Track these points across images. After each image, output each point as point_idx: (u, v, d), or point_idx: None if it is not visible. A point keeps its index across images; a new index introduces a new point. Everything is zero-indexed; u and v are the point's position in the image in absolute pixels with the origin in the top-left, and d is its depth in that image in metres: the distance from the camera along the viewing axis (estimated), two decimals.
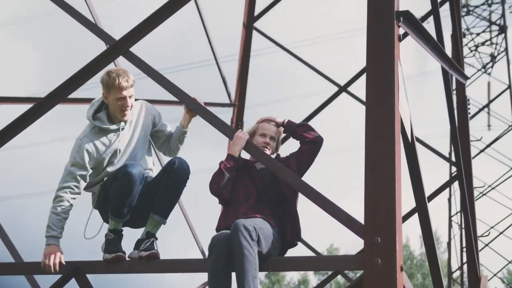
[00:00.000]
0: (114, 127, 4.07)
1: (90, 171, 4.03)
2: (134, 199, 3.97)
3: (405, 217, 7.16)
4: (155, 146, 4.39)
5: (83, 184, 4.03)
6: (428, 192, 5.26)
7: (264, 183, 4.00)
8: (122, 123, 4.10)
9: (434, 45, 4.67)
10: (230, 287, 3.60)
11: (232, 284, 3.61)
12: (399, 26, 3.67)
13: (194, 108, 4.07)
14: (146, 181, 4.08)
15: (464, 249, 18.37)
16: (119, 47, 4.19)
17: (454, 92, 9.76)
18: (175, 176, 3.98)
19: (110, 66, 4.22)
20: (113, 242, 3.99)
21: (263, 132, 4.18)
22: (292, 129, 4.18)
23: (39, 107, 4.15)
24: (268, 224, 3.77)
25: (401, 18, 3.67)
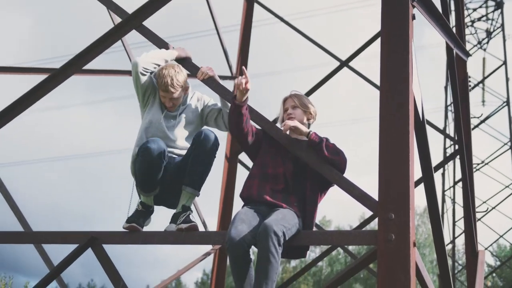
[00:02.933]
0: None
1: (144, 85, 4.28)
2: (156, 173, 4.05)
3: None
4: (212, 125, 4.43)
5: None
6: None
7: (294, 168, 4.00)
8: (165, 112, 4.30)
9: (443, 24, 4.71)
10: (251, 272, 3.64)
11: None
12: (413, 6, 3.70)
13: (205, 82, 4.15)
14: (178, 160, 4.18)
15: (457, 224, 18.63)
16: (132, 20, 4.22)
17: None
18: (202, 147, 4.04)
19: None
20: (137, 213, 4.10)
21: (284, 108, 4.22)
22: (314, 145, 3.89)
23: (54, 77, 4.19)
24: (295, 216, 3.78)
25: None
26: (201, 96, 4.47)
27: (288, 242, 3.61)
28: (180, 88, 4.24)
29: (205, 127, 4.37)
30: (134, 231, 4.00)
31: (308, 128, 4.16)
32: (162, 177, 4.14)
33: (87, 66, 4.47)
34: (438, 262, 4.53)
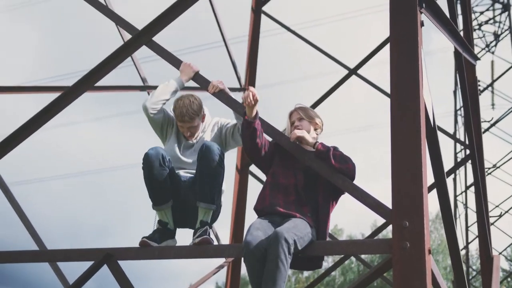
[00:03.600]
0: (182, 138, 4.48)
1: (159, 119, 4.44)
2: (159, 178, 4.12)
3: None
4: (232, 143, 4.48)
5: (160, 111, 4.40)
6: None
7: (305, 179, 4.02)
8: (184, 142, 4.45)
9: (451, 29, 4.72)
10: None
11: None
12: (421, 13, 3.72)
13: (216, 95, 4.18)
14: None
15: (470, 229, 18.52)
16: (142, 37, 4.26)
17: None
18: (206, 159, 4.08)
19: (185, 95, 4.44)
20: (155, 231, 4.15)
21: (291, 121, 4.25)
22: (321, 155, 3.91)
23: (67, 95, 4.23)
24: (308, 226, 3.78)
25: (423, 4, 3.72)
26: (218, 120, 4.56)
27: (302, 252, 3.62)
28: (196, 117, 4.35)
29: (206, 140, 4.41)
30: (149, 246, 4.02)
31: (317, 139, 4.17)
32: (178, 196, 4.21)
33: (98, 83, 4.51)
34: (453, 268, 4.52)
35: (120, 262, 3.96)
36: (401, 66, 3.50)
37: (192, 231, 4.19)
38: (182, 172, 4.35)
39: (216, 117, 4.60)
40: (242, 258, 3.65)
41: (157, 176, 4.13)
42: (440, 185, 4.11)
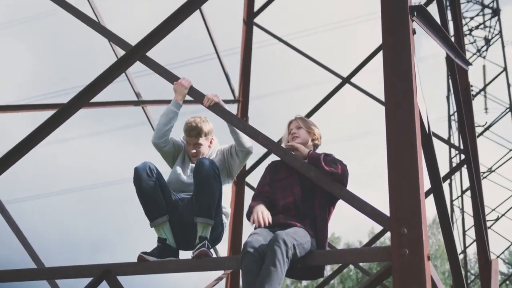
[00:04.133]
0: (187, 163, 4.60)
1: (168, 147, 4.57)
2: (150, 191, 4.16)
3: None
4: (232, 162, 4.52)
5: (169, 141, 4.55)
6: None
7: (301, 191, 4.08)
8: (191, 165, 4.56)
9: (443, 36, 4.75)
10: None
11: None
12: (413, 21, 3.74)
13: (211, 108, 4.19)
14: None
15: (467, 233, 18.55)
16: (135, 52, 4.26)
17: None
18: (199, 174, 4.12)
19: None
20: (155, 248, 4.15)
21: (289, 129, 4.35)
22: (313, 161, 3.95)
23: (62, 112, 4.23)
24: (307, 234, 3.80)
25: (415, 13, 3.75)
26: (222, 147, 4.64)
27: (302, 261, 3.63)
28: (203, 135, 4.48)
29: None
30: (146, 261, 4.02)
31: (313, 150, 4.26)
32: (177, 217, 4.23)
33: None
34: (452, 273, 4.53)
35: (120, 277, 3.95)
36: (394, 74, 3.52)
37: None
38: (183, 194, 4.39)
39: (223, 145, 4.68)
40: (240, 259, 3.63)
41: (146, 188, 4.16)
42: (437, 190, 4.12)
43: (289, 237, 3.57)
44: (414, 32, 3.74)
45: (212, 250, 4.12)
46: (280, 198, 4.12)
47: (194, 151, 4.50)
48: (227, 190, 4.52)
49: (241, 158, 4.46)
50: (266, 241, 3.66)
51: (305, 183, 4.07)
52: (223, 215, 4.38)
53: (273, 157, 4.14)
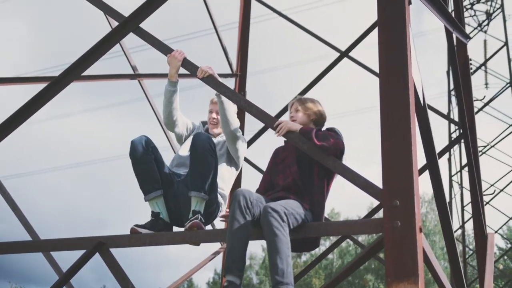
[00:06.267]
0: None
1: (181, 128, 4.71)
2: (144, 164, 4.16)
3: None
4: (233, 150, 4.57)
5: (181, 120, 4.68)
6: None
7: (298, 168, 4.10)
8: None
9: (440, 7, 4.70)
10: (247, 239, 3.66)
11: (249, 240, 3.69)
12: None
13: (205, 80, 4.16)
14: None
15: (465, 208, 18.58)
16: (129, 24, 4.21)
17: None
18: (194, 148, 4.12)
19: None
20: (147, 222, 4.17)
21: (290, 111, 4.40)
22: (306, 135, 3.93)
23: (54, 85, 4.19)
24: (300, 206, 3.82)
25: None
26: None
27: (294, 233, 3.64)
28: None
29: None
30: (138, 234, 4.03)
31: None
32: (172, 192, 4.23)
33: (87, 72, 4.47)
34: (447, 247, 4.52)
35: (114, 250, 3.96)
36: (389, 45, 3.47)
37: None
38: (183, 171, 4.39)
39: None
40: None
41: (141, 161, 4.17)
42: (431, 164, 4.10)
43: (277, 206, 3.61)
44: (409, 3, 3.69)
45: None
46: (281, 179, 4.16)
47: (214, 120, 4.66)
48: (231, 176, 4.54)
49: (229, 142, 4.48)
50: (259, 198, 3.76)
51: (303, 159, 4.10)
52: (219, 195, 4.37)
53: (270, 132, 4.12)
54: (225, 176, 4.47)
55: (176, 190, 4.26)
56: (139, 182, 4.22)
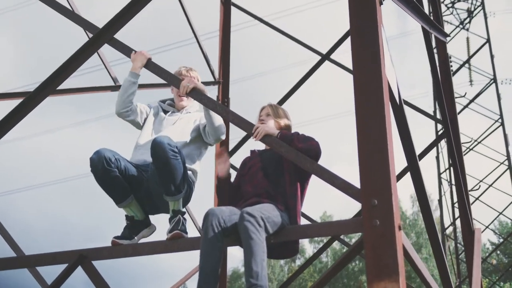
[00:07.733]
0: (169, 109, 4.74)
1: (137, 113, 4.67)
2: (109, 182, 4.09)
3: (397, 178, 7.24)
4: (204, 136, 4.58)
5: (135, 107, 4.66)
6: (417, 152, 5.37)
7: (270, 174, 4.13)
8: (172, 110, 4.73)
9: (414, 7, 4.72)
10: (219, 258, 3.64)
11: (224, 258, 3.70)
12: None
13: (191, 95, 4.14)
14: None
15: (456, 205, 18.64)
16: (103, 35, 4.20)
17: (435, 50, 9.83)
18: (154, 154, 3.98)
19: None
20: (125, 229, 4.19)
21: (260, 115, 4.45)
22: (285, 139, 3.98)
23: (30, 100, 4.15)
24: (276, 209, 3.81)
25: None
26: (200, 116, 4.67)
27: (274, 237, 3.65)
28: (190, 78, 4.44)
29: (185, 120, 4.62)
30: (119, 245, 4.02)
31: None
32: (143, 187, 4.17)
33: (65, 86, 4.46)
34: (431, 244, 4.53)
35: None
36: (361, 45, 3.48)
37: (168, 216, 4.19)
38: (146, 157, 4.30)
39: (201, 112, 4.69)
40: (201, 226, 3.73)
41: (104, 180, 4.08)
42: (411, 162, 4.12)
43: (254, 210, 3.61)
44: (381, 3, 3.70)
45: (185, 224, 4.10)
46: (250, 187, 4.17)
47: (181, 92, 4.26)
48: (200, 154, 4.57)
49: (212, 142, 4.52)
50: (232, 211, 3.76)
51: (269, 166, 4.15)
52: (189, 177, 4.32)
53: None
54: (194, 156, 4.48)
55: (147, 188, 4.23)
56: (108, 195, 4.18)
